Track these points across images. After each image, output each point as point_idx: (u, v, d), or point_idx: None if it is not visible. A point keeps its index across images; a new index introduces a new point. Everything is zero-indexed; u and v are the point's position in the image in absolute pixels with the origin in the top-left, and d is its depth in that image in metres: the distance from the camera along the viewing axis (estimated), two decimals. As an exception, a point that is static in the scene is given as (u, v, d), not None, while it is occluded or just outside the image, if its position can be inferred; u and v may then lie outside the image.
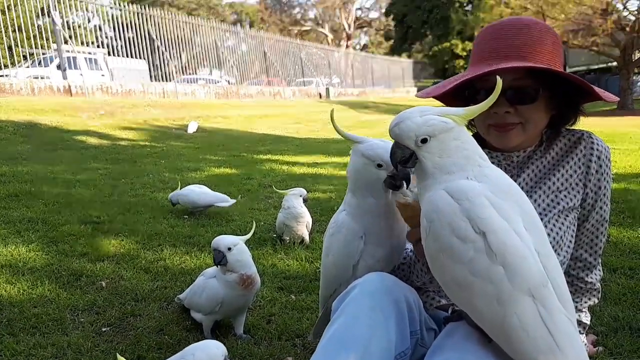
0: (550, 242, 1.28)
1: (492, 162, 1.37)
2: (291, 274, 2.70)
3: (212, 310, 1.94)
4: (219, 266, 1.94)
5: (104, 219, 3.79)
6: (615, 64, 21.17)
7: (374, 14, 50.37)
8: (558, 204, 1.34)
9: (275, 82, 22.34)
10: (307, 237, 3.24)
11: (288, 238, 3.20)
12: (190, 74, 21.78)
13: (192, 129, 11.00)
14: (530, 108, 1.27)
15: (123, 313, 2.21)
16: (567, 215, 1.35)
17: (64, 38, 14.04)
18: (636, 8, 17.61)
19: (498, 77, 1.04)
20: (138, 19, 16.54)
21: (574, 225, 1.38)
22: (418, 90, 1.80)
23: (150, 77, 18.60)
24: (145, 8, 17.11)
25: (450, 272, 0.98)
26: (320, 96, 24.04)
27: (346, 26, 47.36)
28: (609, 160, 1.39)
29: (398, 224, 1.31)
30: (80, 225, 3.57)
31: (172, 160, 7.30)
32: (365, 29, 52.77)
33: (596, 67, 34.46)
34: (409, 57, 44.41)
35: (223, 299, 1.92)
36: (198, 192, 4.03)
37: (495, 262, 0.92)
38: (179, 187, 4.15)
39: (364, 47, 52.36)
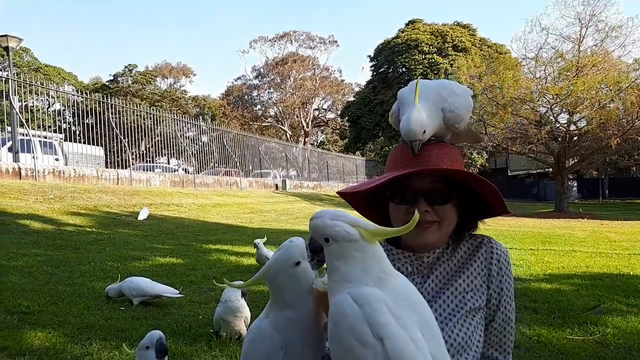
0: (460, 342, 1.37)
1: (405, 262, 1.48)
2: (224, 371, 2.63)
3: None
4: (163, 358, 1.87)
5: (33, 309, 3.61)
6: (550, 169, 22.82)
7: (330, 115, 52.95)
8: (465, 304, 1.41)
9: (233, 173, 22.62)
10: (245, 333, 3.18)
11: (225, 334, 3.13)
12: (148, 161, 21.84)
13: (142, 216, 10.84)
14: (444, 208, 1.39)
15: (36, 413, 2.08)
16: (474, 316, 1.42)
17: (20, 121, 13.99)
18: (566, 122, 19.35)
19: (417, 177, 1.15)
20: (100, 107, 16.79)
21: (482, 325, 1.44)
22: None
23: (106, 163, 18.53)
24: (107, 97, 17.45)
25: None
26: (277, 187, 24.41)
27: (304, 124, 49.37)
28: (508, 262, 1.49)
29: (318, 332, 1.29)
30: (7, 315, 3.39)
31: (117, 247, 7.12)
32: (322, 127, 55.14)
33: (535, 171, 36.97)
34: (362, 155, 46.52)
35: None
36: (147, 281, 4.01)
37: None
38: (119, 279, 4.08)
39: (321, 144, 54.43)
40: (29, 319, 3.37)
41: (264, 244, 5.30)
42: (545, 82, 19.05)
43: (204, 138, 24.79)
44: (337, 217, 1.09)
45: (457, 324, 1.38)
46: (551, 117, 19.13)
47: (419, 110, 1.36)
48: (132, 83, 48.34)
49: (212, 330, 3.31)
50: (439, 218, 1.40)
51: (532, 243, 9.07)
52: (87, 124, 16.19)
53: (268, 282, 1.33)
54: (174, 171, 21.44)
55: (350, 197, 1.55)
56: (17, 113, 13.78)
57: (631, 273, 5.85)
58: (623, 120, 17.56)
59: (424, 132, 1.36)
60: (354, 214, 1.21)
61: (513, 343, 1.53)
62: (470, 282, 1.45)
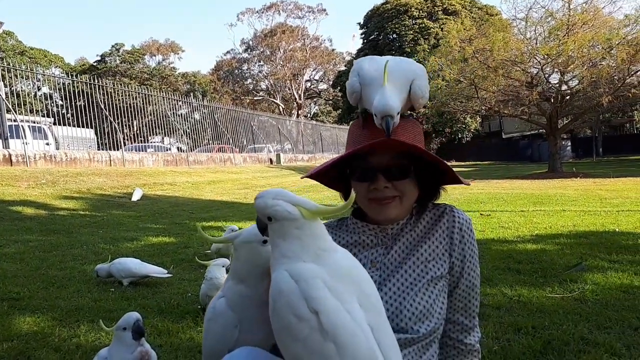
0: (422, 310, 1.41)
1: (370, 234, 1.52)
2: (208, 346, 2.69)
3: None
4: (139, 339, 1.91)
5: (23, 295, 3.67)
6: (543, 130, 22.83)
7: (322, 86, 52.48)
8: (427, 273, 1.45)
9: (226, 149, 22.59)
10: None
11: (211, 309, 3.19)
12: (141, 141, 21.76)
13: (136, 196, 10.88)
14: (404, 183, 1.42)
15: (23, 395, 2.14)
16: (436, 284, 1.45)
17: (8, 107, 13.86)
18: (557, 81, 19.25)
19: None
20: (90, 89, 16.62)
21: (445, 292, 1.48)
22: None
23: (98, 145, 18.46)
24: (96, 78, 17.24)
25: (290, 349, 1.04)
26: (271, 162, 24.42)
27: (297, 96, 49.01)
28: (470, 230, 1.52)
29: None
30: (-4, 302, 3.45)
31: (110, 229, 7.17)
32: (315, 99, 54.75)
33: (529, 133, 36.99)
34: (357, 124, 46.16)
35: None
36: (136, 262, 4.08)
37: (327, 339, 1.00)
38: (109, 259, 4.13)
39: (315, 116, 54.11)
40: (18, 305, 3.42)
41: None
42: (536, 43, 18.86)
43: (196, 115, 24.65)
44: (279, 196, 1.12)
45: (419, 292, 1.43)
46: (542, 78, 19.00)
47: (391, 91, 1.36)
48: (120, 62, 47.69)
49: (199, 307, 3.37)
50: (399, 193, 1.43)
51: (523, 205, 9.15)
52: (77, 107, 16.06)
53: (233, 250, 1.38)
54: (167, 150, 21.38)
55: (318, 179, 1.58)
56: (3, 99, 13.64)
57: (617, 230, 5.93)
58: (614, 77, 17.47)
59: (398, 113, 1.36)
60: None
61: (478, 307, 1.58)
62: (432, 250, 1.49)
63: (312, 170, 1.56)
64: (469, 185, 1.64)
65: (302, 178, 1.67)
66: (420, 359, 1.43)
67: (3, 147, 13.27)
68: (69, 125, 17.25)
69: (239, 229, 4.37)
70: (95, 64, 48.21)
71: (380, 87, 1.37)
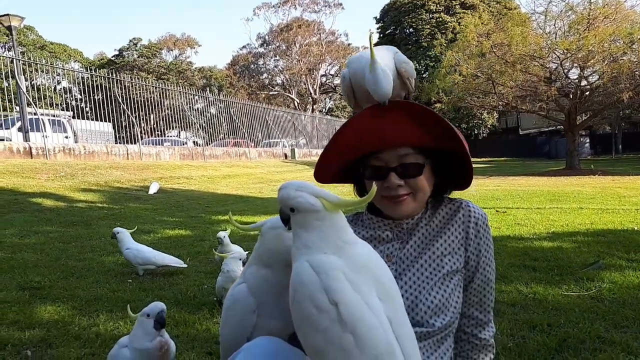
0: (437, 303, 1.42)
1: (385, 229, 1.52)
2: (224, 338, 2.73)
3: (124, 380, 1.96)
4: (160, 329, 1.96)
5: (44, 285, 3.76)
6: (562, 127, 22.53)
7: (338, 80, 52.29)
8: (443, 267, 1.46)
9: (242, 144, 22.70)
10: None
11: (227, 301, 3.24)
12: (158, 135, 21.98)
13: (153, 190, 11.01)
14: (417, 179, 1.42)
15: (44, 381, 2.20)
16: (451, 278, 1.46)
17: (28, 101, 14.10)
18: (577, 77, 18.96)
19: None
20: (107, 83, 16.82)
21: (460, 286, 1.49)
22: None
23: (116, 139, 18.70)
24: (114, 72, 17.44)
25: (310, 340, 1.06)
26: (286, 157, 24.48)
27: (312, 91, 48.94)
28: (486, 225, 1.51)
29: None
30: (18, 291, 3.54)
31: (127, 222, 7.27)
32: (330, 93, 54.63)
33: (546, 129, 36.49)
34: (373, 118, 45.93)
35: (132, 370, 1.94)
36: (153, 251, 4.17)
37: (346, 331, 1.02)
38: (135, 228, 4.29)
39: (330, 111, 54.04)
40: (39, 294, 3.51)
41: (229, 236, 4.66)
42: (555, 37, 18.58)
43: (212, 110, 24.80)
44: (302, 188, 1.14)
45: (435, 286, 1.44)
46: (562, 73, 18.72)
47: (380, 64, 1.33)
48: (138, 57, 48.13)
49: (215, 299, 3.42)
50: (412, 189, 1.43)
51: (539, 202, 9.05)
52: (95, 101, 16.28)
53: (260, 236, 1.42)
54: (184, 144, 21.56)
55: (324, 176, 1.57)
56: (24, 93, 13.88)
57: (635, 228, 5.84)
58: (636, 72, 17.13)
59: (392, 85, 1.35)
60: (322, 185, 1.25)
61: (493, 302, 1.58)
62: (448, 245, 1.49)
63: (319, 171, 1.53)
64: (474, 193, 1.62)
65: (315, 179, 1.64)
66: (435, 352, 1.44)
67: (24, 140, 13.53)
68: (88, 119, 17.50)
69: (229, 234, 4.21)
70: (113, 58, 48.74)
71: (370, 65, 1.34)
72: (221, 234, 4.16)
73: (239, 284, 1.44)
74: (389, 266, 1.47)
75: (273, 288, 1.36)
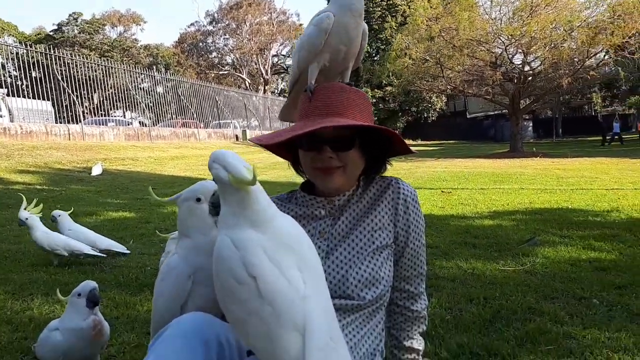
0: (368, 277, 1.45)
1: (318, 206, 1.55)
2: (167, 318, 2.68)
3: (56, 362, 1.91)
4: (93, 308, 1.91)
5: (-26, 270, 3.57)
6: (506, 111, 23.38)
7: (290, 61, 51.86)
8: (373, 242, 1.50)
9: (191, 124, 22.17)
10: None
11: (170, 282, 3.18)
12: (102, 115, 21.10)
13: (96, 171, 10.62)
14: (348, 154, 1.45)
15: (-29, 368, 2.10)
16: (381, 252, 1.50)
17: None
18: (520, 62, 19.65)
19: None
20: (46, 59, 15.88)
21: (390, 260, 1.53)
22: None
23: (56, 118, 17.80)
24: (53, 48, 16.49)
25: (232, 311, 1.10)
26: (237, 138, 24.15)
27: (263, 72, 48.28)
28: (416, 202, 1.56)
29: None
30: (-55, 276, 3.34)
31: (68, 204, 6.95)
32: (282, 74, 54.11)
33: (492, 113, 37.76)
34: (326, 101, 45.99)
35: (65, 351, 1.88)
36: (96, 234, 4.01)
37: (264, 303, 1.05)
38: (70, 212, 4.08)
39: (282, 92, 53.55)
40: (-32, 279, 3.32)
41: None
42: (501, 23, 19.12)
43: (159, 89, 24.04)
44: (217, 159, 1.14)
45: (365, 260, 1.47)
46: (506, 58, 19.34)
47: None
48: (79, 33, 45.72)
49: (158, 280, 3.35)
50: (343, 163, 1.46)
51: (483, 183, 9.40)
52: (33, 78, 15.38)
53: (178, 208, 1.45)
54: (129, 124, 20.82)
55: (267, 147, 1.59)
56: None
57: (569, 207, 6.18)
58: (575, 59, 17.94)
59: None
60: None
61: (424, 275, 1.63)
62: (379, 220, 1.52)
63: (262, 138, 1.55)
64: (416, 153, 1.67)
65: (249, 140, 1.69)
66: (367, 325, 1.47)
67: (-48, 118, 12.65)
68: (25, 97, 16.53)
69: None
70: (51, 33, 46.07)
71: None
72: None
73: (171, 256, 1.47)
74: (321, 242, 1.50)
75: (200, 252, 1.39)
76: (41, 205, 3.97)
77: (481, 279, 3.37)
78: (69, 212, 4.18)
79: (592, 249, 4.06)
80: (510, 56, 19.34)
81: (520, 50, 18.94)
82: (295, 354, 1.06)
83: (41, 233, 3.73)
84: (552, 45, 17.63)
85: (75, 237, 3.89)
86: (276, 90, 53.62)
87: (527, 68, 19.83)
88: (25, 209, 3.86)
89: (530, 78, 19.97)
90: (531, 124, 40.16)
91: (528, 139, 33.75)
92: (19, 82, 18.10)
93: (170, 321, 1.37)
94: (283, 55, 51.34)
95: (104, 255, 3.91)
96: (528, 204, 6.56)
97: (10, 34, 40.95)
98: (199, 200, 1.41)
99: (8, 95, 16.95)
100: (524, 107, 21.59)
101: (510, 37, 17.95)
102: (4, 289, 3.13)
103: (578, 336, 2.39)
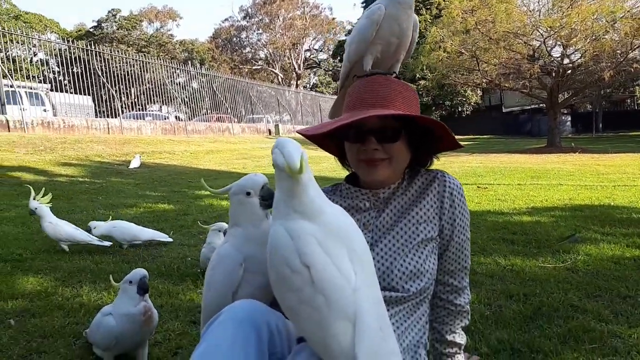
0: (412, 269, 1.47)
1: (363, 199, 1.56)
2: (208, 307, 2.76)
3: (108, 346, 1.99)
4: (143, 295, 1.99)
5: (25, 257, 3.74)
6: (543, 105, 22.75)
7: (322, 55, 51.83)
8: (418, 235, 1.50)
9: (225, 119, 22.46)
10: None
11: (211, 272, 3.26)
12: (139, 109, 21.62)
13: (134, 164, 10.90)
14: (393, 146, 1.46)
15: (28, 350, 2.21)
16: (426, 245, 1.51)
17: (4, 72, 13.70)
18: (559, 55, 19.07)
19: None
20: (86, 55, 16.38)
21: (435, 253, 1.54)
22: None
23: (96, 113, 18.34)
24: (93, 45, 16.97)
25: (285, 299, 1.13)
26: (270, 132, 24.34)
27: (296, 66, 48.40)
28: (461, 195, 1.55)
29: None
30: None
31: (109, 196, 7.22)
32: (314, 69, 54.11)
33: (529, 107, 36.80)
34: (357, 95, 45.81)
35: (117, 335, 1.96)
36: (138, 227, 4.16)
37: (317, 292, 1.08)
38: (110, 218, 4.20)
39: (314, 86, 53.55)
40: (21, 266, 3.49)
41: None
42: (539, 15, 18.59)
43: (194, 84, 24.42)
44: (278, 145, 1.17)
45: (410, 253, 1.48)
46: (545, 51, 18.80)
47: None
48: (117, 29, 46.84)
49: (199, 270, 3.44)
50: (388, 155, 1.47)
51: (520, 178, 9.21)
52: (74, 73, 15.87)
53: (230, 201, 1.52)
54: (165, 119, 21.26)
55: (312, 139, 1.61)
56: (-1, 64, 13.48)
57: (611, 203, 6.00)
58: (617, 51, 17.29)
59: None
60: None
61: (468, 269, 1.63)
62: (424, 214, 1.53)
63: (309, 129, 1.57)
64: (463, 147, 1.66)
65: (296, 132, 1.71)
66: (411, 317, 1.49)
67: (1, 113, 13.19)
68: (66, 92, 17.10)
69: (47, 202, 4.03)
70: (91, 30, 47.38)
71: None
72: (33, 204, 3.90)
73: (222, 245, 1.52)
74: (365, 234, 1.52)
75: (252, 241, 1.44)
76: (50, 195, 4.06)
77: (520, 276, 3.32)
78: (49, 203, 4.08)
79: (637, 247, 3.94)
80: (548, 49, 18.78)
81: (560, 43, 18.36)
82: (346, 342, 1.09)
83: (47, 223, 3.88)
84: (594, 37, 17.03)
85: (120, 232, 4.04)
86: (308, 85, 53.68)
87: (566, 61, 19.22)
88: (34, 198, 3.94)
89: (569, 71, 19.36)
90: (569, 119, 38.94)
91: (566, 134, 32.75)
92: (61, 78, 18.73)
93: (221, 309, 1.42)
94: (315, 49, 51.34)
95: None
96: (567, 200, 6.40)
97: (52, 31, 42.29)
98: (248, 194, 1.45)
99: (51, 90, 17.57)
100: (562, 101, 20.96)
101: (549, 29, 17.43)
102: (54, 276, 3.28)
103: (623, 335, 2.34)
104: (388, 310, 1.45)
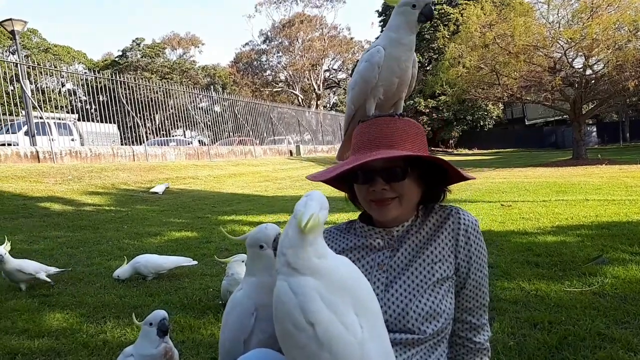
0: (428, 310, 1.45)
1: (376, 237, 1.57)
2: (229, 341, 2.77)
3: (129, 388, 2.03)
4: (163, 337, 2.02)
5: (52, 292, 3.83)
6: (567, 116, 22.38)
7: (341, 75, 52.23)
8: (433, 275, 1.48)
9: (247, 142, 22.76)
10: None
11: (231, 305, 3.28)
12: (163, 135, 22.09)
13: (159, 190, 11.10)
14: (402, 184, 1.47)
15: (54, 390, 2.26)
16: (442, 284, 1.49)
17: (34, 104, 14.20)
18: (581, 66, 18.81)
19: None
20: (112, 84, 16.89)
21: (451, 292, 1.52)
22: None
23: (121, 140, 18.81)
24: (118, 73, 17.50)
25: (291, 354, 1.13)
26: (291, 153, 24.51)
27: (315, 87, 48.87)
28: (477, 232, 1.54)
29: None
30: (28, 299, 3.61)
31: (134, 224, 7.35)
32: (334, 88, 54.53)
33: (552, 119, 36.25)
34: (377, 112, 45.90)
35: (139, 377, 2.00)
36: (160, 257, 4.24)
37: (322, 349, 1.08)
38: (125, 261, 4.22)
39: (334, 106, 53.91)
40: (48, 302, 3.57)
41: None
42: (559, 26, 18.43)
43: (217, 108, 24.86)
44: (307, 196, 1.20)
45: (426, 293, 1.46)
46: (566, 62, 18.57)
47: None
48: (141, 57, 48.20)
49: (220, 302, 3.47)
50: (397, 193, 1.48)
51: (545, 194, 9.04)
52: (100, 102, 16.36)
53: (247, 262, 1.58)
54: (189, 144, 21.65)
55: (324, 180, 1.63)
56: (29, 97, 13.98)
57: (640, 220, 5.83)
58: (641, 60, 16.97)
59: None
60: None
61: (487, 307, 1.60)
62: (439, 252, 1.51)
63: (317, 175, 1.60)
64: (474, 179, 1.66)
65: (306, 177, 1.72)
66: (429, 358, 1.46)
67: (30, 144, 13.64)
68: (93, 120, 17.62)
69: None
70: (116, 59, 48.88)
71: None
72: (0, 250, 3.66)
73: (238, 290, 1.56)
74: (380, 274, 1.51)
75: (265, 290, 1.45)
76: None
77: (545, 301, 3.24)
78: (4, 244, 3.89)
79: (668, 268, 3.81)
80: (570, 60, 18.56)
81: (581, 54, 18.13)
82: None
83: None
84: (616, 46, 16.78)
85: (144, 265, 4.11)
86: (328, 105, 54.05)
87: (588, 71, 18.94)
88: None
89: (592, 82, 19.06)
90: (595, 129, 38.18)
91: (592, 145, 32.12)
92: (88, 107, 19.33)
93: (234, 352, 1.45)
94: (334, 69, 51.77)
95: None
96: (594, 217, 6.24)
97: (79, 62, 43.75)
98: (261, 247, 1.49)
99: (79, 120, 18.12)
100: (586, 112, 20.61)
101: (569, 40, 17.25)
102: (79, 311, 3.35)
103: (653, 367, 2.26)
104: (404, 352, 1.43)
